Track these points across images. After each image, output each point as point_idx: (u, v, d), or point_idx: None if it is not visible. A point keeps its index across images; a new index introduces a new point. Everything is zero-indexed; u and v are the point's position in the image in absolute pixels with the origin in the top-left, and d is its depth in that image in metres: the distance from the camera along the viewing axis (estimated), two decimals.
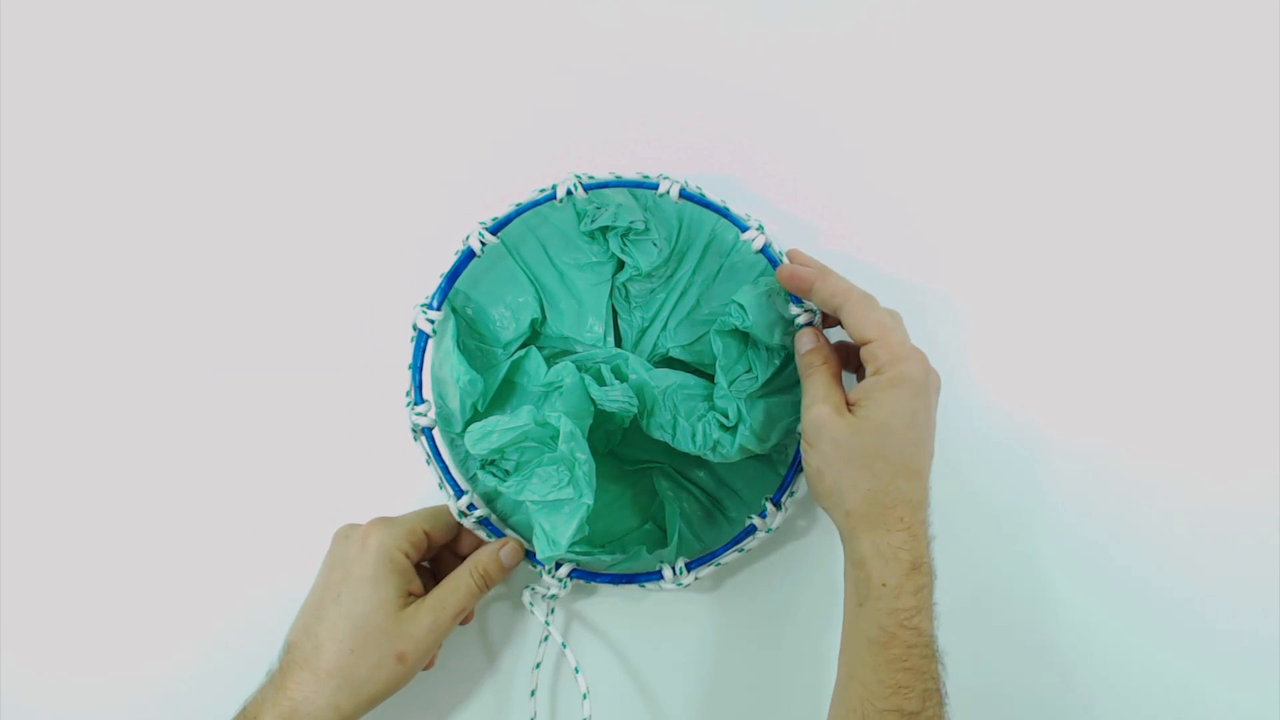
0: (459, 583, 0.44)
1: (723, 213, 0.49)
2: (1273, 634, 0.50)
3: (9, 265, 0.54)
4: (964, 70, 0.55)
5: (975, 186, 0.54)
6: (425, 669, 0.45)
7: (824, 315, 0.47)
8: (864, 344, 0.42)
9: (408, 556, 0.44)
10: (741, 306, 0.46)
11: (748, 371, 0.47)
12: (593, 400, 0.46)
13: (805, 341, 0.46)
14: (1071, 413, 0.52)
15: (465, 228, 0.50)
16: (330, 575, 0.43)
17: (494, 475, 0.46)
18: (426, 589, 0.45)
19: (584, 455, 0.42)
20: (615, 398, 0.45)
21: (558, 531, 0.42)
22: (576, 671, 0.45)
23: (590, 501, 0.42)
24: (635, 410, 0.46)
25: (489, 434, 0.43)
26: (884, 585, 0.40)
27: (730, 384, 0.47)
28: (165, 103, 0.55)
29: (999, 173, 0.54)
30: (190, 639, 0.51)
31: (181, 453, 0.52)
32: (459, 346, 0.49)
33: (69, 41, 0.56)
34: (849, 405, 0.42)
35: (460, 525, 0.47)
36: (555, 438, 0.43)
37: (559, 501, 0.42)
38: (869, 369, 0.42)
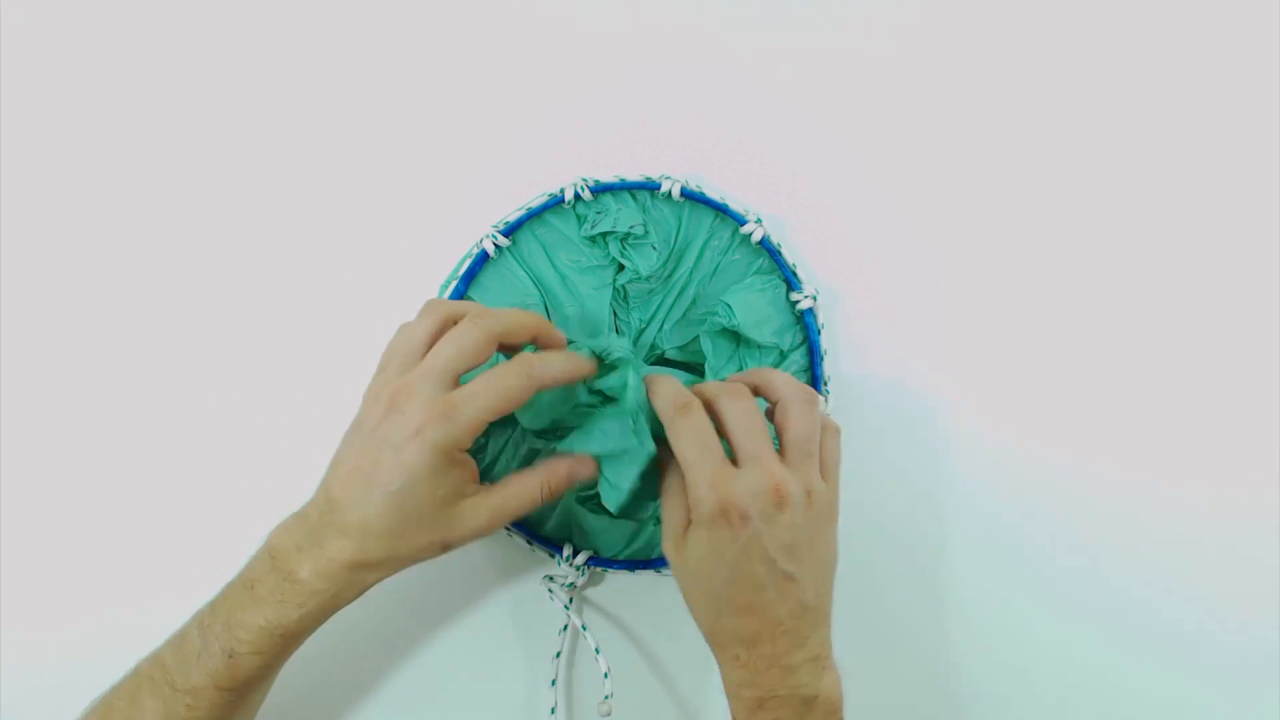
0: (527, 489, 0.42)
1: (722, 208, 0.51)
2: (1271, 650, 0.51)
3: (19, 265, 0.54)
4: (966, 72, 0.55)
5: (974, 191, 0.55)
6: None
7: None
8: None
9: (468, 450, 0.41)
10: (729, 306, 0.48)
11: (739, 370, 0.49)
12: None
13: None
14: (1061, 429, 0.53)
15: (463, 228, 0.52)
16: (380, 454, 0.39)
17: (547, 440, 0.46)
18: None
19: (646, 406, 0.43)
20: (623, 346, 0.46)
21: (622, 479, 0.42)
22: (597, 652, 0.46)
23: (653, 448, 0.42)
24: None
25: (545, 408, 0.44)
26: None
27: None
28: (169, 107, 0.56)
29: (997, 177, 0.55)
30: None
31: (191, 459, 0.53)
32: None
33: (75, 42, 0.56)
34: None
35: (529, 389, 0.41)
36: (605, 399, 0.44)
37: (620, 453, 0.42)
38: None
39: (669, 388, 0.42)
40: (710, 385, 0.43)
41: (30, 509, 0.52)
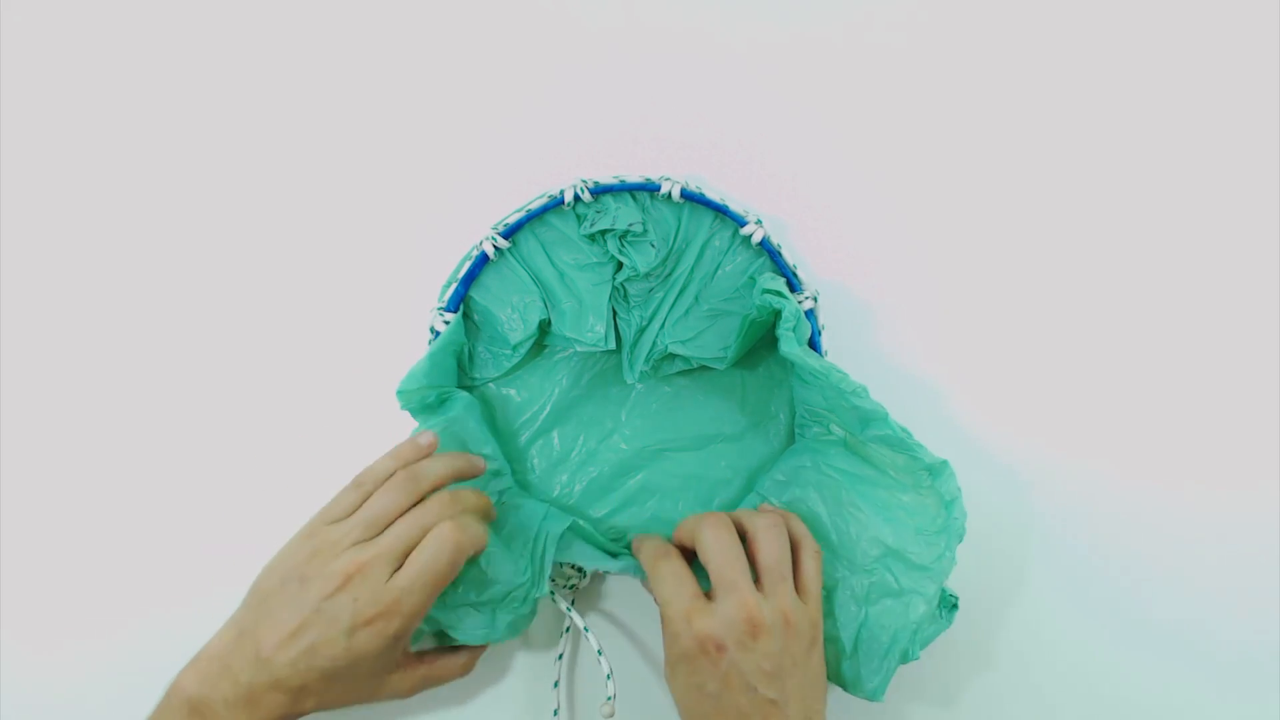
0: (450, 668, 0.46)
1: (722, 209, 0.51)
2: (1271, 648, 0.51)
3: (19, 269, 0.54)
4: (966, 72, 0.56)
5: (975, 191, 0.55)
6: None
7: None
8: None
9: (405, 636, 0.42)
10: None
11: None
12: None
13: None
14: (1065, 427, 0.53)
15: (463, 228, 0.51)
16: (328, 630, 0.39)
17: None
18: None
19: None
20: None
21: None
22: (600, 654, 0.46)
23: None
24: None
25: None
26: None
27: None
28: (169, 109, 0.56)
29: (998, 177, 0.55)
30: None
31: (187, 460, 0.52)
32: (468, 354, 0.52)
33: (72, 43, 0.56)
34: None
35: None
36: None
37: None
38: None
39: (651, 542, 0.45)
40: (691, 520, 0.45)
41: (28, 514, 0.52)
